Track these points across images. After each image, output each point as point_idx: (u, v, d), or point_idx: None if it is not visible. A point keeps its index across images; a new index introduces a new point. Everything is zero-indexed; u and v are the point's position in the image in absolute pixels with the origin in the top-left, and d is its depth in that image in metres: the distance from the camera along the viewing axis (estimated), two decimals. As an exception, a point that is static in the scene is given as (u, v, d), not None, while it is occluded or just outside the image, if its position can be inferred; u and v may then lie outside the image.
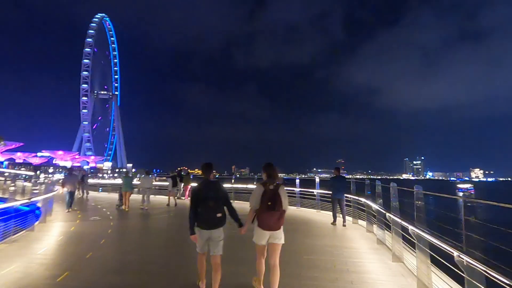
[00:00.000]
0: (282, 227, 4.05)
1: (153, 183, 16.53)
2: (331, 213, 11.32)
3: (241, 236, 4.45)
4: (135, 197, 16.21)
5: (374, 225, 8.32)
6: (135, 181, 16.95)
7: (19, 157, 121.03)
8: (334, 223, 9.48)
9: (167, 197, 15.23)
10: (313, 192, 12.76)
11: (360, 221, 9.82)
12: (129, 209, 13.12)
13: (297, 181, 13.78)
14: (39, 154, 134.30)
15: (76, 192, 16.73)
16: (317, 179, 12.85)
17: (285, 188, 4.20)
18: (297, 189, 13.69)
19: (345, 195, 9.60)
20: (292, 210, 13.15)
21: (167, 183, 15.69)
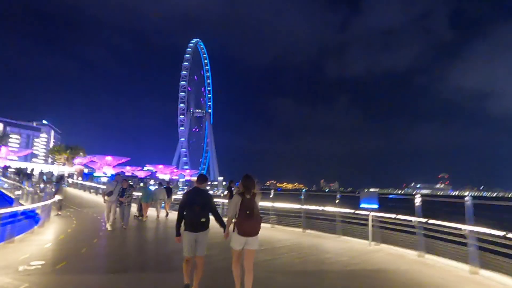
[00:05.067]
0: (258, 234, 4.35)
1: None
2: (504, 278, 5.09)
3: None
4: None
5: None
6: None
7: (128, 170, 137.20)
8: None
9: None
10: (460, 228, 6.14)
11: None
12: (147, 220, 12.83)
13: (417, 203, 7.33)
14: (145, 168, 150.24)
15: (111, 218, 10.59)
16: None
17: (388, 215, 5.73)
18: (416, 219, 7.26)
19: None
20: (408, 263, 6.78)
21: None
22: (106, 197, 10.85)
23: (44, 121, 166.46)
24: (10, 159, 62.55)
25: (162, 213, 13.94)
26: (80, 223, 11.55)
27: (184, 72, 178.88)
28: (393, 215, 8.10)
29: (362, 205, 8.81)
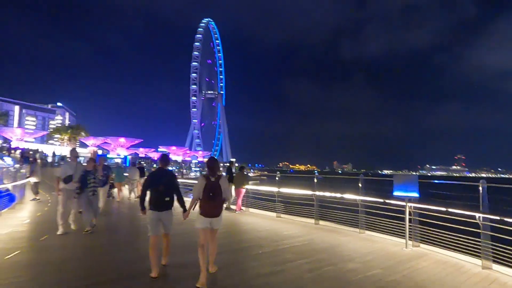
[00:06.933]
0: (221, 214, 4.41)
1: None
2: None
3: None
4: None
5: None
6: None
7: (141, 152, 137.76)
8: None
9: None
10: None
11: None
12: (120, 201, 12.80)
13: (481, 191, 5.06)
14: (158, 150, 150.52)
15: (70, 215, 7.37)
16: None
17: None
18: (480, 215, 5.03)
19: None
20: (474, 283, 4.52)
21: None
22: (61, 185, 7.03)
23: (59, 104, 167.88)
24: (26, 141, 62.71)
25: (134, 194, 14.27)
26: (50, 210, 9.79)
27: (195, 52, 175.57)
28: (442, 208, 5.86)
29: (396, 193, 6.58)
